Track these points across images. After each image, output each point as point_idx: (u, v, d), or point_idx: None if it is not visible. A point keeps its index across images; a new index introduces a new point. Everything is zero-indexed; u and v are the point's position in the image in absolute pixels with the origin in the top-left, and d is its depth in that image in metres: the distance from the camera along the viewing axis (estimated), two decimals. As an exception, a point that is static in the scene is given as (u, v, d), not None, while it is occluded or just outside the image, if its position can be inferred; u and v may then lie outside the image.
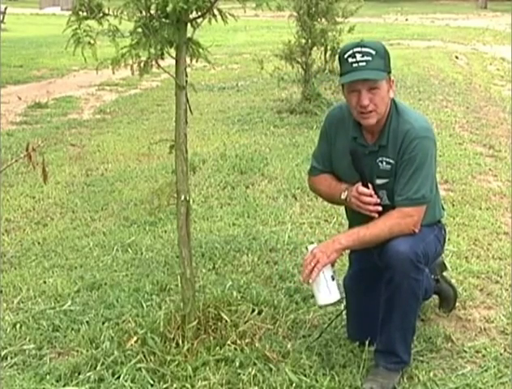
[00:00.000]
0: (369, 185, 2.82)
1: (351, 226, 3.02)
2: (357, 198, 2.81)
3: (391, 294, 2.74)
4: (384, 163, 2.81)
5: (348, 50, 2.74)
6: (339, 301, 2.82)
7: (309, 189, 3.26)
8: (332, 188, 2.96)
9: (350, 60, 2.71)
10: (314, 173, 3.05)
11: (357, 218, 2.86)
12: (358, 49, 2.71)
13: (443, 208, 3.09)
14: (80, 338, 3.13)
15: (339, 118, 2.93)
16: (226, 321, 3.01)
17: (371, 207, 2.79)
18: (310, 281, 2.71)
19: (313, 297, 3.48)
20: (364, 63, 2.69)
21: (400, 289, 2.70)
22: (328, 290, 2.72)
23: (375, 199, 2.80)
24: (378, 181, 2.83)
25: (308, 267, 2.69)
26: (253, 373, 2.80)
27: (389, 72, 2.78)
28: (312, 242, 4.24)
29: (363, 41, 2.76)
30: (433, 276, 3.27)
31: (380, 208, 2.79)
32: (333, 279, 2.73)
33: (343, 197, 2.89)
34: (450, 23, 25.02)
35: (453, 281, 3.55)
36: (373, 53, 2.71)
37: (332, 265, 2.76)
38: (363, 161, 2.83)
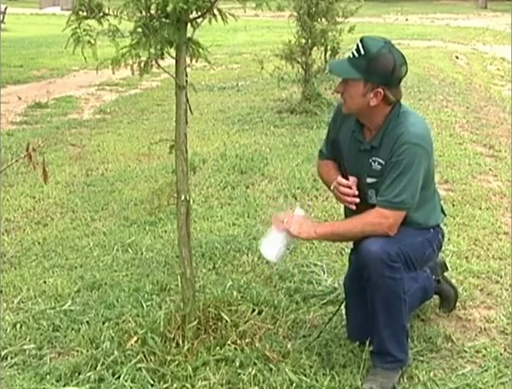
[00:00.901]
0: (350, 178, 2.86)
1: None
2: (337, 188, 2.88)
3: (371, 294, 2.76)
4: (376, 163, 2.83)
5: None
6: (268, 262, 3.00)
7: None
8: (329, 176, 3.00)
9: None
10: (321, 157, 3.12)
11: (350, 214, 2.90)
12: (358, 42, 2.76)
13: (444, 214, 3.09)
14: (80, 338, 3.13)
15: None
16: (226, 321, 3.01)
17: (349, 199, 2.84)
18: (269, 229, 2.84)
19: (313, 297, 3.52)
20: (351, 55, 2.76)
21: (378, 288, 2.72)
22: (271, 247, 2.82)
23: (353, 191, 2.84)
24: (369, 180, 2.85)
25: (279, 223, 2.79)
26: (253, 373, 2.80)
27: (370, 80, 2.72)
28: (313, 243, 4.23)
29: (367, 38, 2.76)
30: (434, 277, 3.28)
31: (357, 200, 2.83)
32: (287, 247, 2.85)
33: (331, 187, 2.94)
34: (450, 23, 25.03)
35: (453, 281, 3.55)
36: (362, 53, 2.72)
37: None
38: (344, 151, 2.90)
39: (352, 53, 2.75)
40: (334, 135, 3.00)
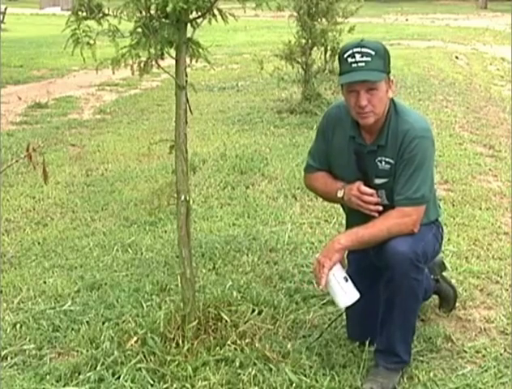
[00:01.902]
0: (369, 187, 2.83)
1: (348, 223, 3.04)
2: (359, 197, 2.82)
3: (391, 294, 2.74)
4: (383, 163, 2.81)
5: (348, 50, 2.73)
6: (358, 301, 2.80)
7: (305, 186, 3.27)
8: (328, 186, 2.97)
9: (349, 60, 2.71)
10: (310, 170, 3.07)
11: (355, 215, 2.88)
12: (358, 50, 2.71)
13: (439, 207, 3.09)
14: (80, 338, 3.13)
15: (337, 117, 2.94)
16: (226, 321, 3.01)
17: (372, 207, 2.81)
18: (321, 287, 2.74)
19: (313, 297, 3.51)
20: (363, 64, 2.69)
21: (401, 289, 2.70)
22: (343, 291, 2.73)
23: (376, 199, 2.81)
24: (377, 181, 2.83)
25: (317, 275, 2.73)
26: (253, 373, 2.80)
27: (388, 72, 2.78)
28: (313, 243, 4.26)
29: (363, 41, 2.75)
30: (432, 276, 3.28)
31: (380, 208, 2.80)
32: (346, 280, 2.74)
33: (339, 195, 2.90)
34: (450, 23, 25.04)
35: (453, 281, 3.55)
36: (373, 53, 2.70)
37: (343, 267, 2.78)
38: (365, 161, 2.84)
39: (365, 61, 2.69)
40: (327, 146, 2.95)
